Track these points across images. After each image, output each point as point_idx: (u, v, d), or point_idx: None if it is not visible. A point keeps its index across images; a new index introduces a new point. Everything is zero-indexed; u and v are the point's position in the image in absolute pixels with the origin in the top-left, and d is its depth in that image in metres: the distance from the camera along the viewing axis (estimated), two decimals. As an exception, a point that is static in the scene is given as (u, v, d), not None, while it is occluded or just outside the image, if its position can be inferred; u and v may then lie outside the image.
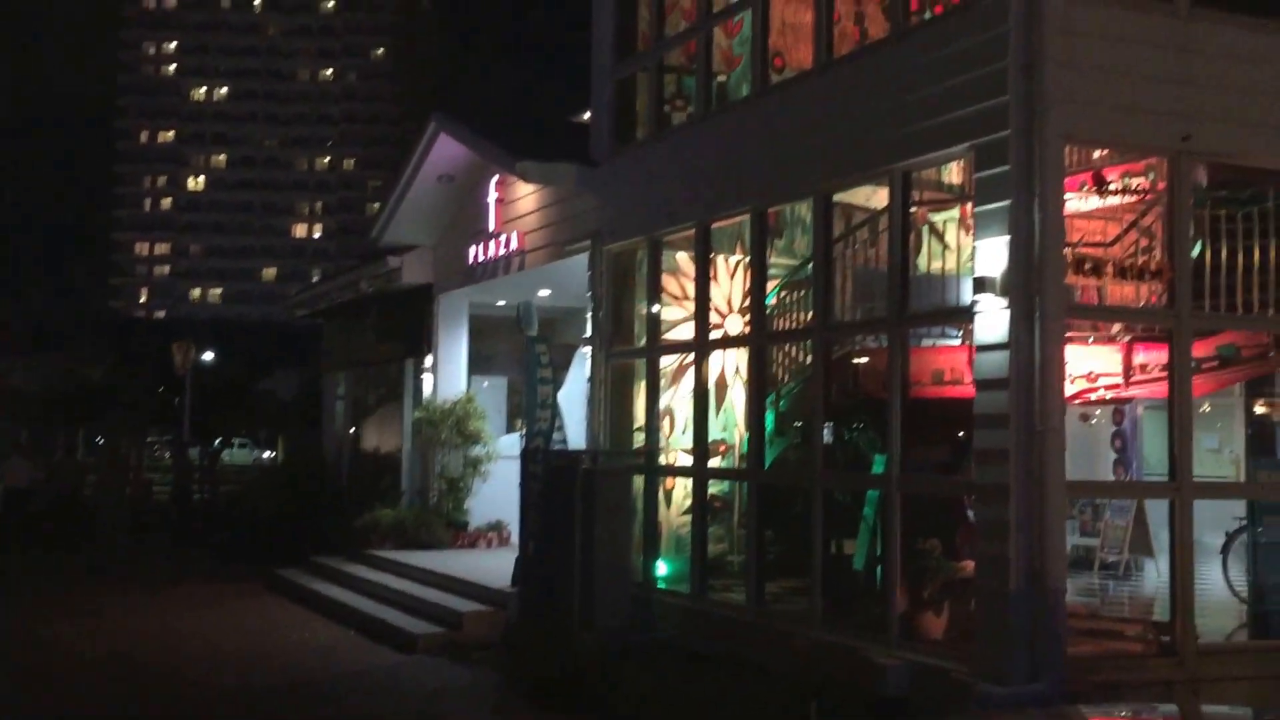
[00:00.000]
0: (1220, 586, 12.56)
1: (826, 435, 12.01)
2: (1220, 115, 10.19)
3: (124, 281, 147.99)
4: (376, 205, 18.85)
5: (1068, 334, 10.31)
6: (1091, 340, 12.38)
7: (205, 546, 26.13)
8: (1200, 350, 11.07)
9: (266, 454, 63.58)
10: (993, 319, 9.68)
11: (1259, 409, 12.74)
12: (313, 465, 27.38)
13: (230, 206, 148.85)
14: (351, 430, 27.18)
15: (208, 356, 54.20)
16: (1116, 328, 11.95)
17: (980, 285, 9.73)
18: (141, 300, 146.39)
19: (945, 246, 12.45)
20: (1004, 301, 9.56)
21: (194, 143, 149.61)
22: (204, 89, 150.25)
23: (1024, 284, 9.46)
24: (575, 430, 16.47)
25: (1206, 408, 13.59)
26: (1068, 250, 11.25)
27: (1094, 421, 15.00)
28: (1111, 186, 11.90)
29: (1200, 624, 10.11)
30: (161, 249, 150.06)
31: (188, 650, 14.95)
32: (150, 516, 31.00)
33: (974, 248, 9.98)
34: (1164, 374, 10.56)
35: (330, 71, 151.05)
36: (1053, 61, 9.52)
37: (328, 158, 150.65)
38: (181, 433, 42.51)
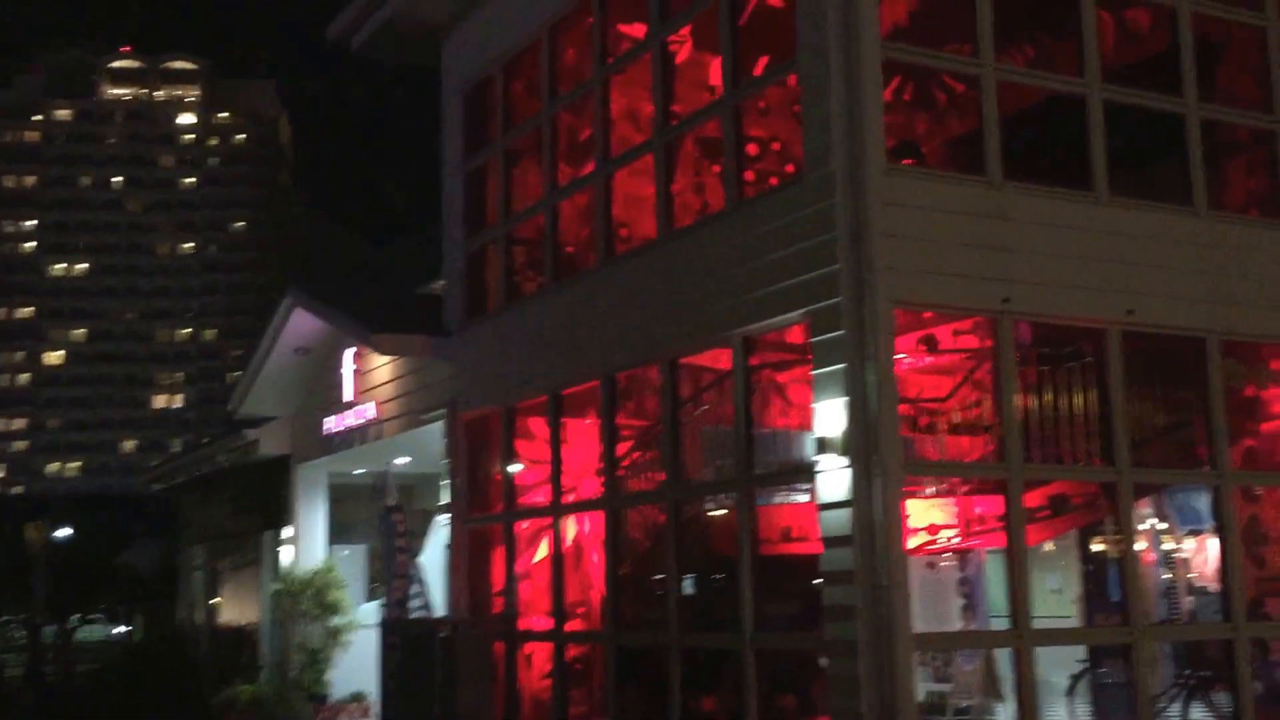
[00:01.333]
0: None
1: (682, 593, 12.14)
2: (1036, 278, 10.81)
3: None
4: (238, 374, 18.84)
5: (907, 488, 10.71)
6: (931, 493, 12.79)
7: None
8: (1033, 500, 11.54)
9: (120, 629, 61.27)
10: (834, 478, 10.01)
11: (1094, 549, 13.20)
12: (170, 641, 26.57)
13: (90, 380, 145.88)
14: (210, 603, 26.50)
15: (64, 532, 52.37)
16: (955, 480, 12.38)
17: (821, 445, 10.08)
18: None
19: (791, 404, 12.84)
20: (844, 460, 9.90)
21: (53, 318, 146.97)
22: (63, 265, 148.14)
23: (862, 443, 9.82)
24: (435, 597, 16.35)
25: (1050, 546, 14.01)
26: (907, 406, 11.79)
27: (941, 567, 15.35)
28: (941, 345, 12.46)
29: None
30: (18, 424, 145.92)
31: None
32: (3, 698, 29.59)
33: (814, 409, 10.34)
34: (1000, 524, 10.96)
35: (191, 244, 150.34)
36: (878, 231, 10.05)
37: (189, 329, 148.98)
38: (36, 612, 40.90)
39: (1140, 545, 13.04)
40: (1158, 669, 12.41)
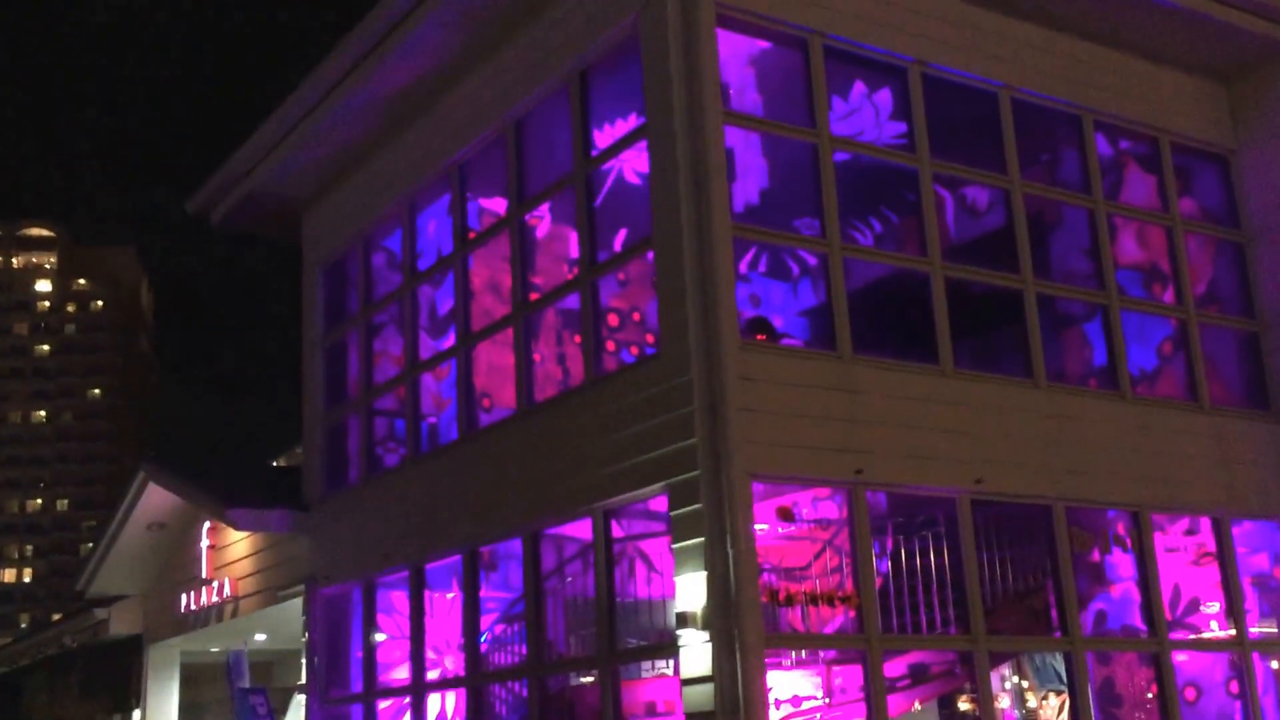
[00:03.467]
0: None
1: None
2: (887, 448, 11.09)
3: None
4: (90, 545, 18.25)
5: (769, 660, 10.73)
6: (792, 663, 12.80)
7: None
8: (893, 669, 11.64)
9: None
10: (696, 652, 10.00)
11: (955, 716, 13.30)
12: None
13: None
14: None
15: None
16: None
17: (682, 620, 10.09)
18: None
19: (657, 573, 12.83)
20: (705, 635, 9.89)
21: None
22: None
23: (722, 617, 9.84)
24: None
25: (918, 706, 14.04)
26: (767, 575, 11.87)
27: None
28: (801, 514, 12.62)
29: None
30: None
31: None
32: None
33: (675, 583, 10.36)
34: (862, 694, 11.00)
35: (44, 413, 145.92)
36: (733, 406, 10.25)
37: (40, 499, 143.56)
38: None
39: (1002, 705, 13.20)
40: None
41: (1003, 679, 13.53)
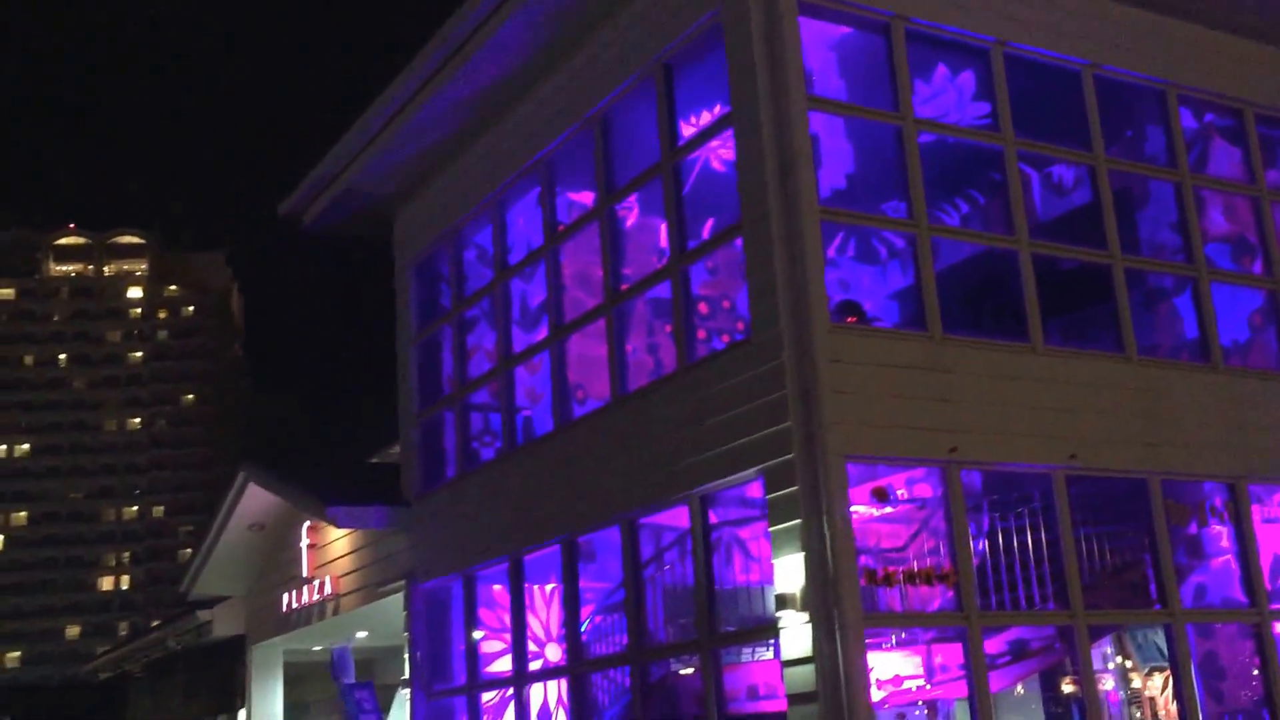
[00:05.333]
0: None
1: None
2: (980, 427, 11.13)
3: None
4: (188, 551, 18.69)
5: (870, 640, 10.81)
6: (893, 644, 12.87)
7: None
8: (993, 646, 11.67)
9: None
10: (796, 634, 10.11)
11: (1058, 692, 13.27)
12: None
13: (31, 565, 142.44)
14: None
15: (2, 727, 50.76)
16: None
17: (781, 602, 10.21)
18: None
19: (754, 560, 12.96)
20: (805, 616, 10.01)
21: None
22: (3, 447, 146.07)
23: (821, 598, 9.96)
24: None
25: (1021, 690, 14.05)
26: (865, 556, 11.96)
27: (922, 715, 15.31)
28: (897, 495, 12.68)
29: None
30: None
31: None
32: None
33: (773, 566, 10.49)
34: (962, 672, 11.05)
35: (138, 420, 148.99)
36: (827, 389, 10.35)
37: (136, 506, 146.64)
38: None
39: (1106, 684, 13.16)
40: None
41: (1105, 658, 13.48)
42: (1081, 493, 11.90)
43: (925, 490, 12.51)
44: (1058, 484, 11.54)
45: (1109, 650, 13.51)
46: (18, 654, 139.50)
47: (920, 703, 13.77)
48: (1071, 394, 11.77)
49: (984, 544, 12.14)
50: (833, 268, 13.62)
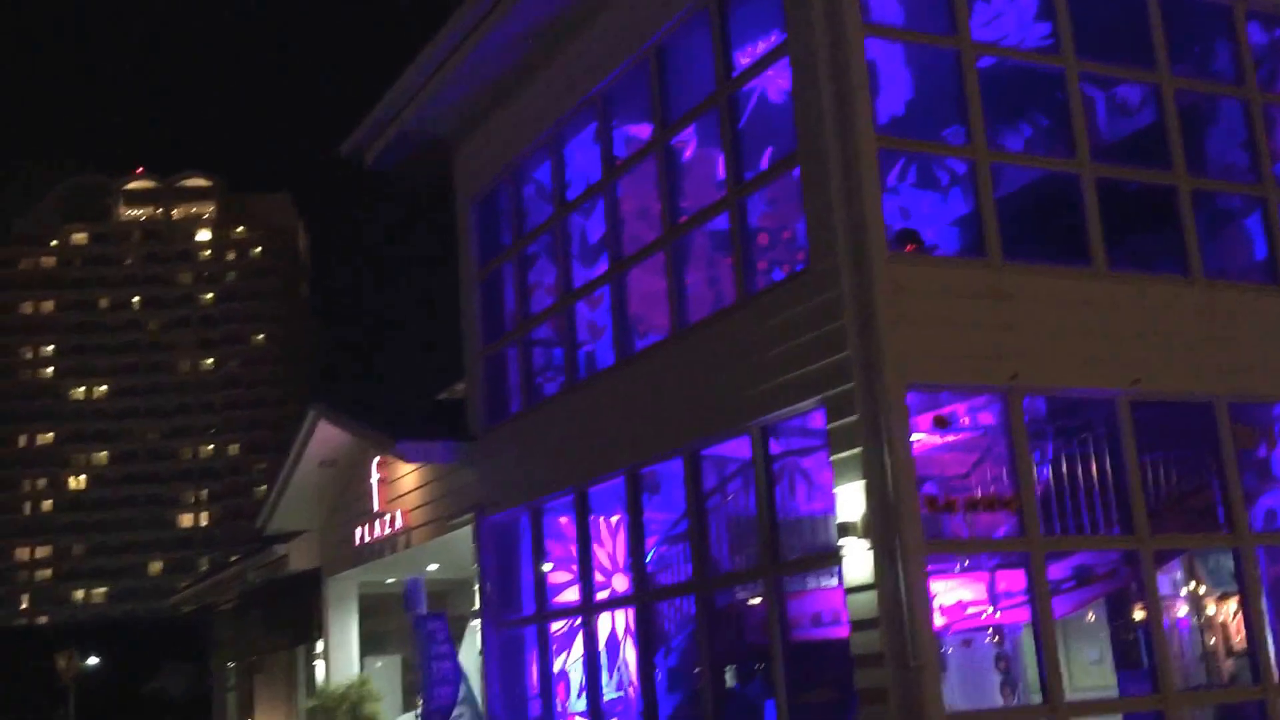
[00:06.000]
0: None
1: (716, 684, 12.24)
2: (1042, 353, 11.07)
3: (4, 590, 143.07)
4: (263, 488, 19.22)
5: (934, 567, 10.86)
6: (960, 570, 12.91)
7: None
8: (1057, 572, 11.67)
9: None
10: (858, 561, 10.19)
11: (1124, 618, 13.27)
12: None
13: (113, 503, 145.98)
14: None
15: (93, 660, 52.37)
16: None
17: (843, 530, 10.28)
18: (23, 607, 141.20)
19: (817, 488, 13.03)
20: (866, 543, 10.08)
21: (74, 442, 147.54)
22: (83, 388, 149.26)
23: (883, 526, 10.01)
24: (477, 701, 16.42)
25: (1091, 617, 14.08)
26: (928, 484, 11.98)
27: (977, 644, 15.37)
28: (959, 422, 12.66)
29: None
30: (42, 552, 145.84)
31: None
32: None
33: (835, 495, 10.55)
34: (1025, 597, 11.08)
35: (211, 360, 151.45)
36: (886, 318, 10.34)
37: (211, 445, 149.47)
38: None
39: (1181, 610, 13.13)
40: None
41: (1174, 584, 13.42)
42: (1146, 418, 11.82)
43: (988, 418, 12.49)
44: (1121, 409, 11.46)
45: (1179, 576, 13.46)
46: (104, 590, 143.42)
47: (991, 629, 13.84)
48: (1135, 318, 11.66)
49: (1048, 470, 12.11)
50: (893, 195, 13.53)
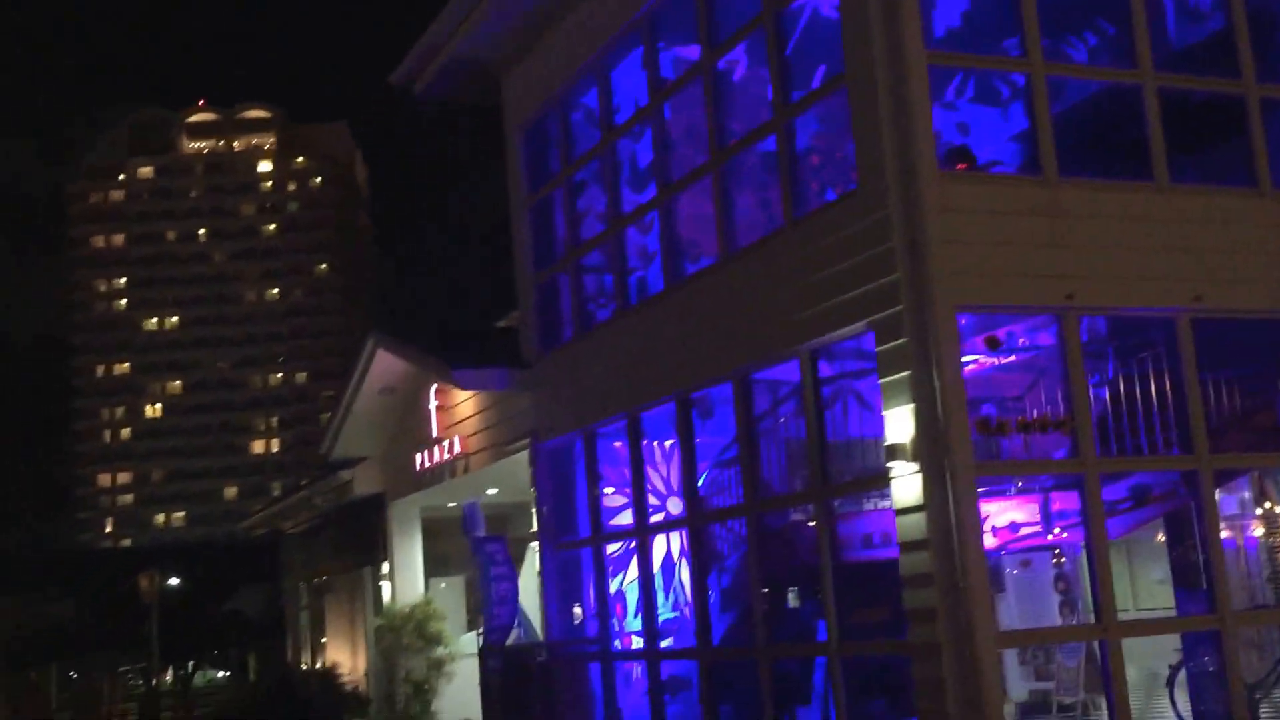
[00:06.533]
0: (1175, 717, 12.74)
1: (768, 605, 12.30)
2: (1099, 271, 10.85)
3: (90, 514, 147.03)
4: (330, 415, 19.50)
5: (989, 489, 10.78)
6: (1016, 491, 12.83)
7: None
8: (1114, 493, 11.55)
9: (225, 674, 62.81)
10: (907, 483, 10.14)
11: (1184, 538, 13.13)
12: (282, 681, 27.18)
13: (188, 431, 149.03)
14: (317, 642, 27.12)
15: (174, 581, 53.76)
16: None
17: (892, 453, 10.22)
18: (107, 530, 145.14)
19: (870, 411, 12.96)
20: (915, 466, 10.02)
21: (149, 372, 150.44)
22: (155, 320, 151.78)
23: (932, 448, 9.94)
24: (534, 622, 16.65)
25: (1161, 538, 13.96)
26: (985, 406, 11.88)
27: (1036, 565, 15.32)
28: (1015, 343, 12.49)
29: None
30: (123, 478, 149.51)
31: None
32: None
33: (882, 415, 10.48)
34: (1080, 519, 10.98)
35: (276, 291, 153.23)
36: (935, 238, 10.18)
37: (280, 374, 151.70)
38: (151, 661, 42.08)
39: (1257, 532, 12.96)
40: (1260, 655, 12.32)
41: (1242, 504, 13.22)
42: (1208, 335, 11.58)
43: (1048, 338, 12.32)
44: (1182, 327, 11.24)
45: (1247, 495, 13.26)
46: (183, 514, 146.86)
47: (1057, 551, 13.78)
48: (1198, 233, 11.38)
49: (1106, 391, 11.94)
50: (951, 111, 13.28)
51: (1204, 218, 11.45)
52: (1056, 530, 12.50)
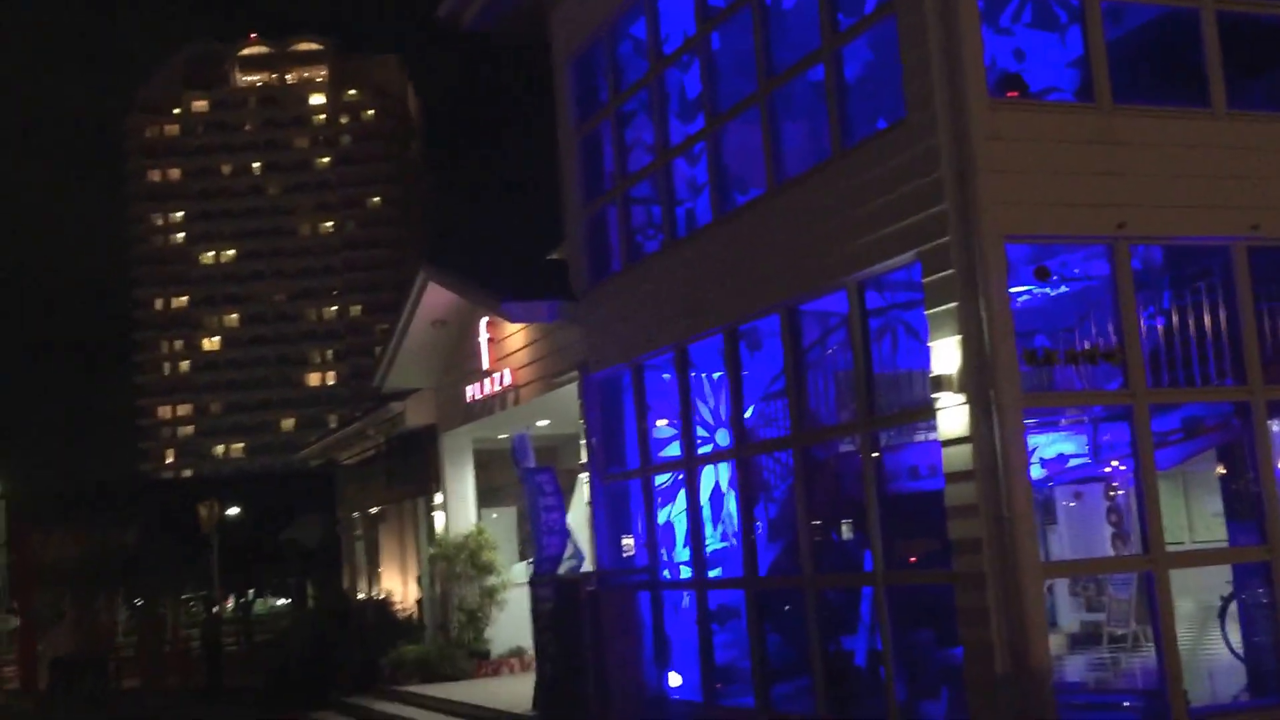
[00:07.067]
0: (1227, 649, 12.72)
1: (814, 537, 12.37)
2: (1152, 200, 10.72)
3: (150, 445, 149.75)
4: (382, 346, 19.78)
5: (1038, 420, 10.73)
6: (1067, 423, 12.76)
7: (241, 695, 26.36)
8: (1164, 424, 11.47)
9: (284, 601, 64.10)
10: (953, 414, 10.13)
11: (1237, 470, 13.02)
12: (339, 608, 27.73)
13: (246, 363, 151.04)
14: (373, 571, 27.58)
15: (233, 511, 54.74)
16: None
17: (938, 384, 10.20)
18: (168, 461, 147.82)
19: (920, 343, 12.91)
20: (962, 397, 10.00)
21: (206, 305, 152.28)
22: (212, 253, 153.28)
23: (978, 379, 9.91)
24: (584, 552, 16.84)
25: (1221, 469, 13.85)
26: (1040, 336, 11.80)
27: (1088, 497, 15.26)
28: (1071, 274, 12.37)
29: (1206, 687, 10.34)
30: (183, 410, 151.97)
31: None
32: (189, 671, 31.22)
33: (929, 347, 10.45)
34: (1129, 450, 10.92)
35: (330, 224, 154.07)
36: (984, 168, 10.08)
37: (334, 306, 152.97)
38: (212, 588, 43.01)
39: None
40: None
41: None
42: (1264, 265, 11.42)
43: (1101, 269, 12.19)
44: (1238, 256, 11.09)
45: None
46: (241, 445, 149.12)
47: (1111, 483, 13.72)
48: (1256, 160, 11.20)
49: (1161, 321, 11.82)
50: (1006, 37, 13.06)
51: (1262, 145, 11.26)
52: (1113, 464, 12.42)
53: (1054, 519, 14.33)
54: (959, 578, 10.13)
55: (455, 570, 21.00)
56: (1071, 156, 10.51)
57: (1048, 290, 12.31)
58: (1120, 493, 14.92)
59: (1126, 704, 11.11)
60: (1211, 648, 12.88)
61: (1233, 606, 12.61)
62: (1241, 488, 12.14)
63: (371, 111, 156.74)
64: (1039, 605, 9.77)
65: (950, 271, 10.10)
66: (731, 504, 14.53)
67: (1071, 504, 14.46)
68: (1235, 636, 12.66)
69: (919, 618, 11.37)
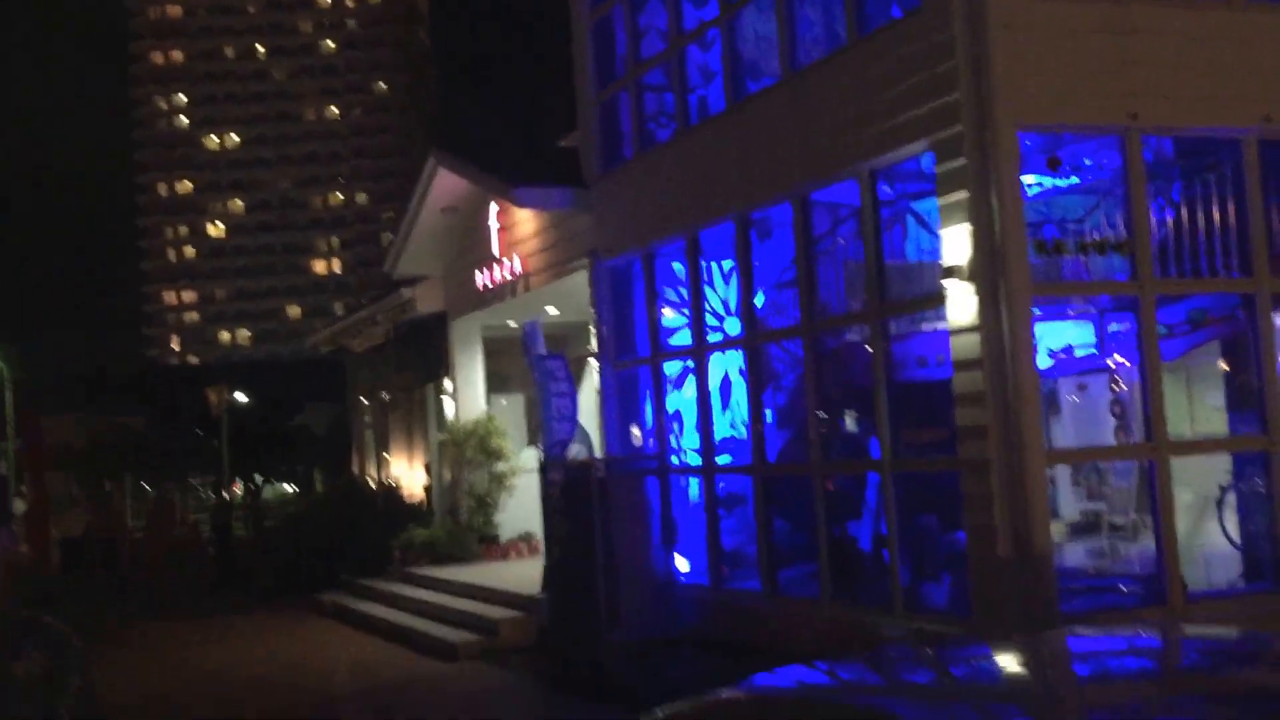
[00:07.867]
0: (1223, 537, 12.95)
1: (822, 425, 12.56)
2: (1165, 91, 10.70)
3: (156, 331, 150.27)
4: (392, 236, 19.65)
5: (1045, 310, 10.81)
6: (1075, 313, 12.87)
7: (251, 579, 26.89)
8: (1170, 316, 11.58)
9: (290, 488, 64.97)
10: (962, 303, 10.24)
11: (1240, 362, 13.14)
12: (348, 493, 28.11)
13: (252, 250, 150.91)
14: (382, 457, 27.92)
15: (241, 398, 55.20)
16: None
17: (948, 273, 10.30)
18: (175, 347, 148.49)
19: (930, 233, 12.97)
20: (971, 286, 10.10)
21: (211, 191, 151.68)
22: (216, 138, 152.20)
23: (988, 268, 10.00)
24: (593, 439, 17.06)
25: (1224, 364, 13.96)
26: (1048, 226, 11.85)
27: (1093, 387, 15.41)
28: (1079, 163, 12.38)
29: (1202, 574, 10.58)
30: (189, 296, 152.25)
31: (253, 672, 15.75)
32: (198, 556, 31.80)
33: (940, 237, 10.53)
34: (1135, 340, 11.05)
35: (336, 109, 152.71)
36: (998, 56, 10.06)
37: (340, 194, 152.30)
38: (221, 474, 43.54)
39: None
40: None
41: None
42: (1276, 158, 11.43)
43: (1112, 160, 12.20)
44: (1248, 148, 11.10)
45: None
46: (248, 334, 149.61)
47: (1119, 376, 13.84)
48: (1270, 52, 11.13)
49: (1171, 213, 11.87)
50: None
51: (1277, 37, 11.19)
52: (1118, 357, 12.55)
53: (1057, 409, 14.50)
54: (965, 464, 10.33)
55: (465, 456, 21.27)
56: (1086, 46, 10.48)
57: (1059, 182, 12.34)
58: (1124, 388, 15.09)
59: (1125, 589, 11.36)
60: (1208, 537, 13.11)
61: (1231, 496, 12.83)
62: (1243, 380, 12.30)
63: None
64: (1042, 491, 9.96)
65: (962, 160, 10.13)
66: (741, 392, 14.71)
67: (1075, 395, 14.61)
68: (1233, 525, 12.90)
69: (924, 504, 11.60)
